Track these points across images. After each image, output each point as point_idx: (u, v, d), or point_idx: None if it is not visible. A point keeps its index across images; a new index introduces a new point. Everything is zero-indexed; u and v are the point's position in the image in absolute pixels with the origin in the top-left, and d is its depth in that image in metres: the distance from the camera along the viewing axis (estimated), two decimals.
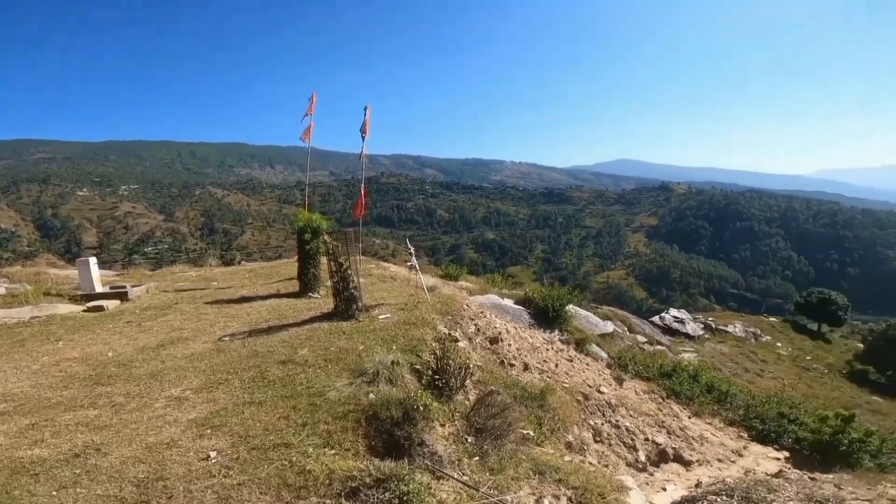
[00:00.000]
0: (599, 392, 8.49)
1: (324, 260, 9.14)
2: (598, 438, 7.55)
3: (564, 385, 8.13)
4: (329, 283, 7.91)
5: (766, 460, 8.22)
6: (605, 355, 11.22)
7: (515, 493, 4.30)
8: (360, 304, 7.53)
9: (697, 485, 6.02)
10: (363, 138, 9.15)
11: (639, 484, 6.21)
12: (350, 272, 7.44)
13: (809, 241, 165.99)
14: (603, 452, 7.30)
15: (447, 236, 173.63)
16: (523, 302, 11.43)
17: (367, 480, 3.63)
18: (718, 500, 3.59)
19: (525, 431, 5.76)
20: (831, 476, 5.65)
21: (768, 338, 27.60)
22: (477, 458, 4.66)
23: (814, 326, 33.62)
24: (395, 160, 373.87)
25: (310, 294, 9.85)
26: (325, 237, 8.39)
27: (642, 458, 7.63)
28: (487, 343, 8.06)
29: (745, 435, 9.37)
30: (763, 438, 9.27)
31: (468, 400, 5.73)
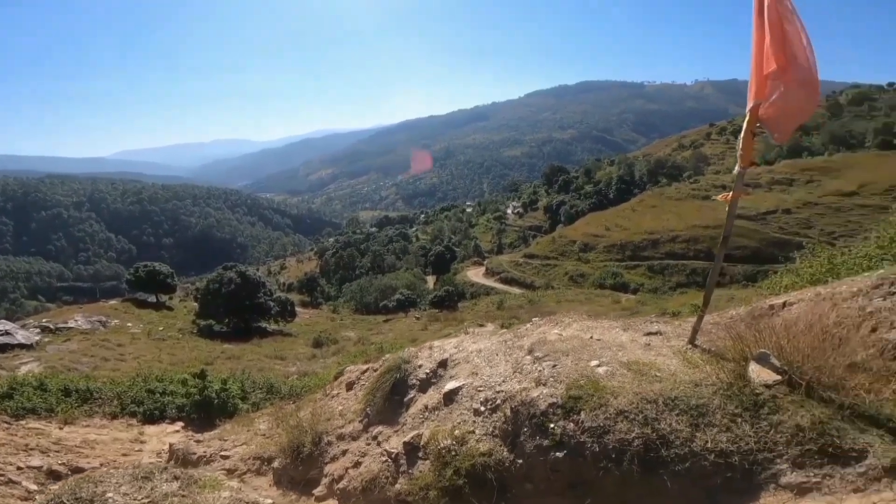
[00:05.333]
0: None
1: None
2: None
3: None
4: None
5: (168, 436, 8.51)
6: None
7: None
8: None
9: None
10: None
11: None
12: None
13: (123, 220, 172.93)
14: None
15: None
16: None
17: None
18: None
19: None
20: (217, 431, 6.53)
21: (117, 321, 27.24)
22: None
23: (153, 299, 36.02)
24: None
25: None
26: None
27: (33, 487, 6.44)
28: None
29: (135, 421, 9.26)
30: (151, 419, 9.37)
31: None
